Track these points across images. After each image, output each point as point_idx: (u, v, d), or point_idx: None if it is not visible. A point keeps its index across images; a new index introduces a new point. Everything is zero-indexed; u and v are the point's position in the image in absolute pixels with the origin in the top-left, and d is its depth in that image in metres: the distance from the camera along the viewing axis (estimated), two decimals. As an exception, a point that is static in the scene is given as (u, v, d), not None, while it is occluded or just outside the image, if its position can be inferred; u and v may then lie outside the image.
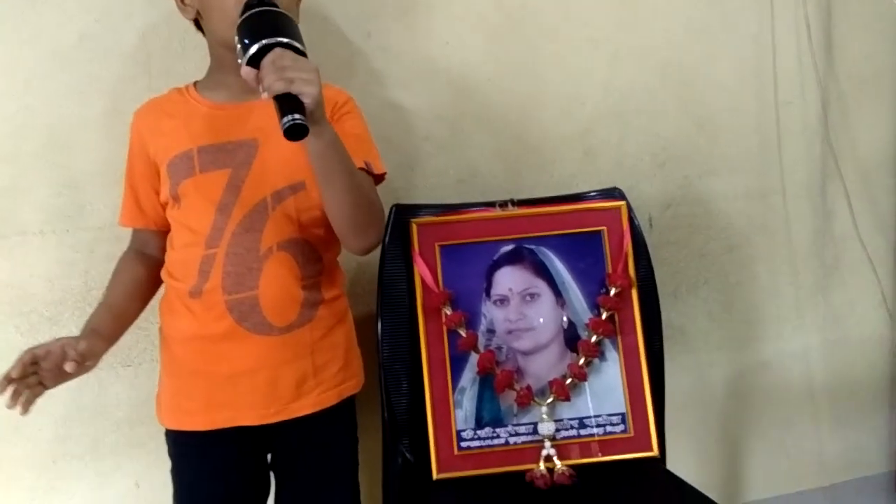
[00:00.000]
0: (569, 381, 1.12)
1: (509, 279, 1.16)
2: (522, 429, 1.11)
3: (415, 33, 1.30)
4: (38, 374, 0.86)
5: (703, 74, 1.44)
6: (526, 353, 1.14)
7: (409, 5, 1.29)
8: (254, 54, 0.81)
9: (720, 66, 1.44)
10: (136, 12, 1.16)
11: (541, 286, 1.16)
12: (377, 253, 1.13)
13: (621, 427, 1.12)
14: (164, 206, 1.03)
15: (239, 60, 0.83)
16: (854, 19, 1.48)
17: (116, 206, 1.16)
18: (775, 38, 1.44)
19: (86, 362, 0.89)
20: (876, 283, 1.57)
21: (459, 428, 1.10)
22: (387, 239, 1.16)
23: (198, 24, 1.05)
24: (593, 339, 1.13)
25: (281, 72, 0.79)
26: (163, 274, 1.04)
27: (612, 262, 1.17)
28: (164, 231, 1.05)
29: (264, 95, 0.80)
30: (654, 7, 1.40)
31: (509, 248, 1.17)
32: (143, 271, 1.06)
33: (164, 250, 1.05)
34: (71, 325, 1.18)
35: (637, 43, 1.40)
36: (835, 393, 1.61)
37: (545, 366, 1.14)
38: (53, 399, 1.17)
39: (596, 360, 1.13)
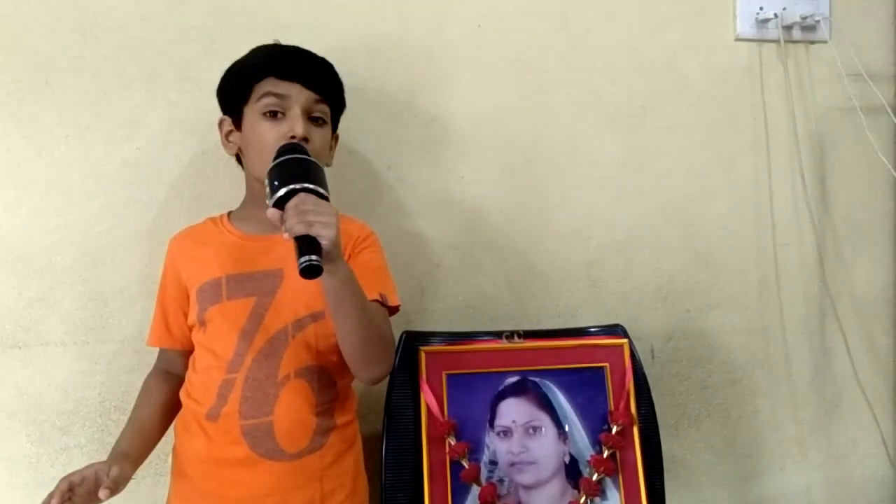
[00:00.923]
0: (569, 519, 1.12)
1: (513, 411, 1.19)
2: (522, 568, 1.10)
3: (432, 167, 1.38)
4: (70, 501, 0.89)
5: (703, 214, 1.51)
6: (528, 488, 1.15)
7: (427, 141, 1.38)
8: (280, 197, 0.88)
9: (720, 207, 1.52)
10: (175, 142, 1.25)
11: (544, 419, 1.19)
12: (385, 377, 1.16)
13: (621, 571, 1.11)
14: (190, 329, 1.08)
15: (266, 201, 0.90)
16: (847, 169, 1.56)
17: (138, 321, 1.21)
18: (772, 183, 1.53)
19: (118, 487, 0.92)
20: (876, 425, 1.58)
21: (458, 564, 1.10)
22: (395, 365, 1.19)
23: (239, 160, 1.14)
24: (595, 477, 1.14)
25: (302, 215, 0.86)
26: (182, 394, 1.08)
27: (614, 399, 1.19)
28: (189, 351, 1.09)
29: (285, 236, 0.87)
30: (657, 149, 1.48)
31: (514, 379, 1.20)
32: (170, 392, 1.09)
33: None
34: (81, 436, 1.21)
35: (641, 182, 1.48)
36: (839, 534, 1.59)
37: (546, 502, 1.14)
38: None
39: (597, 499, 1.14)
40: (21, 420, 1.19)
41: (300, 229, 0.85)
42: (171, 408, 1.09)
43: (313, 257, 0.84)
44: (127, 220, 1.23)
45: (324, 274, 0.86)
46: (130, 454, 1.01)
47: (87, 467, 0.93)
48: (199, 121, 1.23)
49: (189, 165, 1.26)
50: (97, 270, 1.22)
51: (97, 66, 1.21)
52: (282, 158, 0.94)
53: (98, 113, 1.21)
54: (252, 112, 1.05)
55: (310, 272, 0.85)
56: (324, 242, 0.86)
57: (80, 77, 1.21)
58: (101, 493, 0.89)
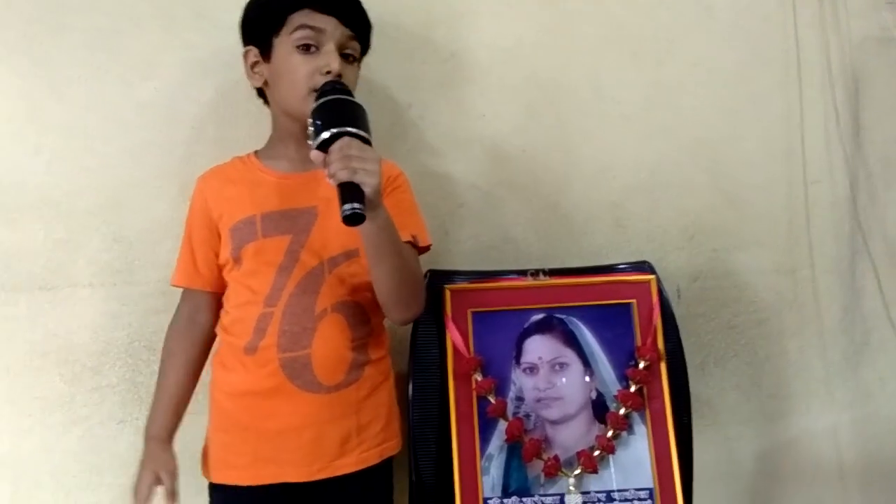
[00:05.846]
0: (596, 453, 1.12)
1: (539, 348, 1.18)
2: (549, 500, 1.11)
3: (453, 106, 1.36)
4: None
5: (731, 152, 1.47)
6: (554, 423, 1.15)
7: (448, 79, 1.35)
8: (325, 140, 0.87)
9: (749, 145, 1.47)
10: (192, 82, 1.24)
11: (570, 356, 1.18)
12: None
13: (649, 503, 1.12)
14: (220, 268, 1.08)
15: (309, 142, 0.89)
16: (882, 104, 1.50)
17: (162, 263, 1.22)
18: (804, 120, 1.48)
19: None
20: (907, 363, 1.56)
21: (486, 496, 1.10)
22: (421, 304, 1.19)
23: (261, 94, 1.12)
24: (622, 411, 1.14)
25: (346, 161, 0.85)
26: (218, 329, 1.09)
27: (641, 335, 1.18)
28: (216, 293, 1.09)
29: (329, 181, 0.86)
30: (683, 86, 1.44)
31: (540, 316, 1.19)
32: (194, 349, 1.10)
33: (214, 314, 1.10)
34: (112, 376, 1.23)
35: (666, 120, 1.44)
36: (865, 473, 1.58)
37: (573, 436, 1.14)
38: (86, 445, 1.21)
39: (624, 433, 1.14)
40: (53, 360, 1.21)
41: (344, 176, 0.85)
42: (199, 365, 1.11)
43: (356, 205, 0.84)
44: (147, 162, 1.23)
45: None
46: (166, 433, 1.08)
47: (140, 482, 1.04)
48: (215, 60, 1.21)
49: (207, 106, 1.24)
50: (120, 214, 1.23)
51: (110, 5, 1.20)
52: (326, 98, 0.92)
53: (112, 53, 1.20)
54: (284, 44, 1.03)
55: (353, 220, 0.85)
56: (367, 190, 0.86)
57: (93, 16, 1.19)
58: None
